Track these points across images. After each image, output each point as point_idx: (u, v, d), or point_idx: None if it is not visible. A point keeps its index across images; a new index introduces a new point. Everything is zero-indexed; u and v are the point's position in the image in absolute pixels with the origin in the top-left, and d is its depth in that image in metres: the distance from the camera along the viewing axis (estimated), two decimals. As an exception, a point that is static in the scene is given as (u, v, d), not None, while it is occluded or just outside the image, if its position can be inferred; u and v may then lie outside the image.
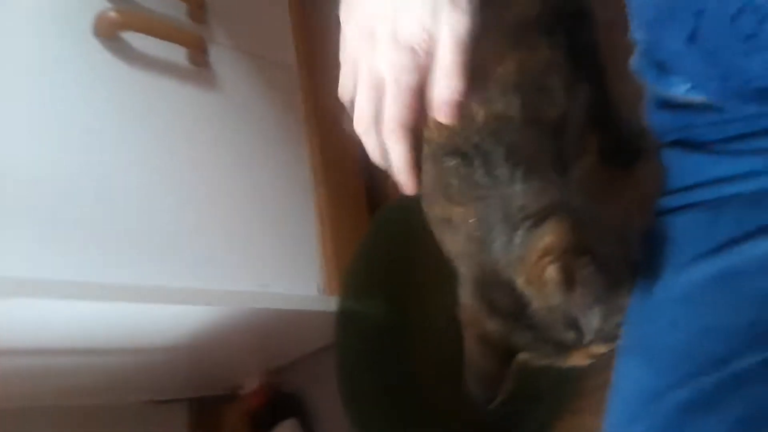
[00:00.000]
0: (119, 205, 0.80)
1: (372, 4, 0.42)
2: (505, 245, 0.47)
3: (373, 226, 0.94)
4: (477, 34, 0.40)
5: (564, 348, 0.46)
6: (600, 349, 0.47)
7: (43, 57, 0.78)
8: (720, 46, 0.37)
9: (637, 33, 0.46)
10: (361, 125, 0.42)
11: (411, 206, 0.83)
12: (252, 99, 1.05)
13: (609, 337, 0.46)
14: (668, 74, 0.45)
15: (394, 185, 0.44)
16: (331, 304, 0.96)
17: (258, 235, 0.95)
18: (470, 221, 0.50)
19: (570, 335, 0.46)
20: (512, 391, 0.85)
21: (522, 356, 0.48)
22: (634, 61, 0.50)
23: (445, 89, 0.40)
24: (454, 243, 0.53)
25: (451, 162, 0.51)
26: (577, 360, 0.48)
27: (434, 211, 0.55)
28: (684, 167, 0.48)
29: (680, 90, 0.45)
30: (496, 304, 0.47)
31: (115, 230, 0.78)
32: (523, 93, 0.53)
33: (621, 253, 0.47)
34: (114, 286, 0.74)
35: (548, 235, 0.45)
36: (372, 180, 1.10)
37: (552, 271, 0.43)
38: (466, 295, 0.50)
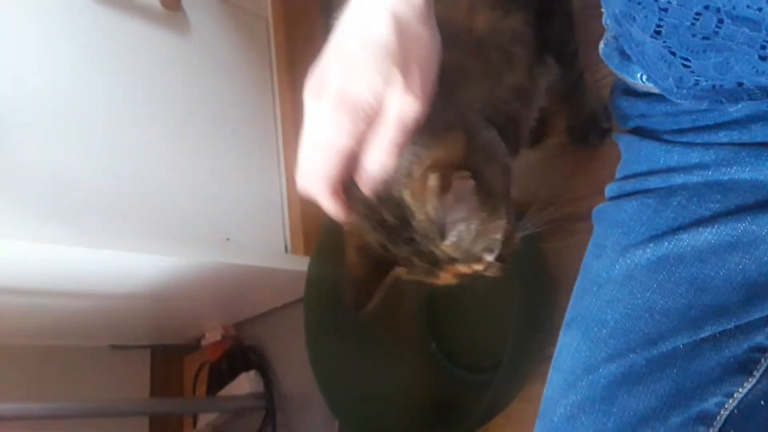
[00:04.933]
0: (80, 148, 0.79)
1: (334, 49, 0.41)
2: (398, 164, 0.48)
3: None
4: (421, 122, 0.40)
5: (436, 263, 0.49)
6: (463, 269, 0.49)
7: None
8: (680, 43, 0.38)
9: (608, 20, 0.47)
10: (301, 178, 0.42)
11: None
12: (224, 47, 1.03)
13: (472, 258, 0.49)
14: (631, 63, 0.47)
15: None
16: (296, 263, 0.97)
17: (225, 188, 0.95)
18: None
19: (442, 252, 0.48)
20: (463, 377, 0.87)
21: (399, 270, 0.50)
22: (602, 47, 0.51)
23: (377, 165, 0.40)
24: None
25: None
26: (445, 278, 0.50)
27: None
28: (639, 154, 0.49)
29: (640, 79, 0.47)
30: (383, 218, 0.48)
31: (78, 175, 0.77)
32: (486, 49, 0.54)
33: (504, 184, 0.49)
34: (75, 232, 0.74)
35: (438, 151, 0.46)
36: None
37: (433, 180, 0.44)
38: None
